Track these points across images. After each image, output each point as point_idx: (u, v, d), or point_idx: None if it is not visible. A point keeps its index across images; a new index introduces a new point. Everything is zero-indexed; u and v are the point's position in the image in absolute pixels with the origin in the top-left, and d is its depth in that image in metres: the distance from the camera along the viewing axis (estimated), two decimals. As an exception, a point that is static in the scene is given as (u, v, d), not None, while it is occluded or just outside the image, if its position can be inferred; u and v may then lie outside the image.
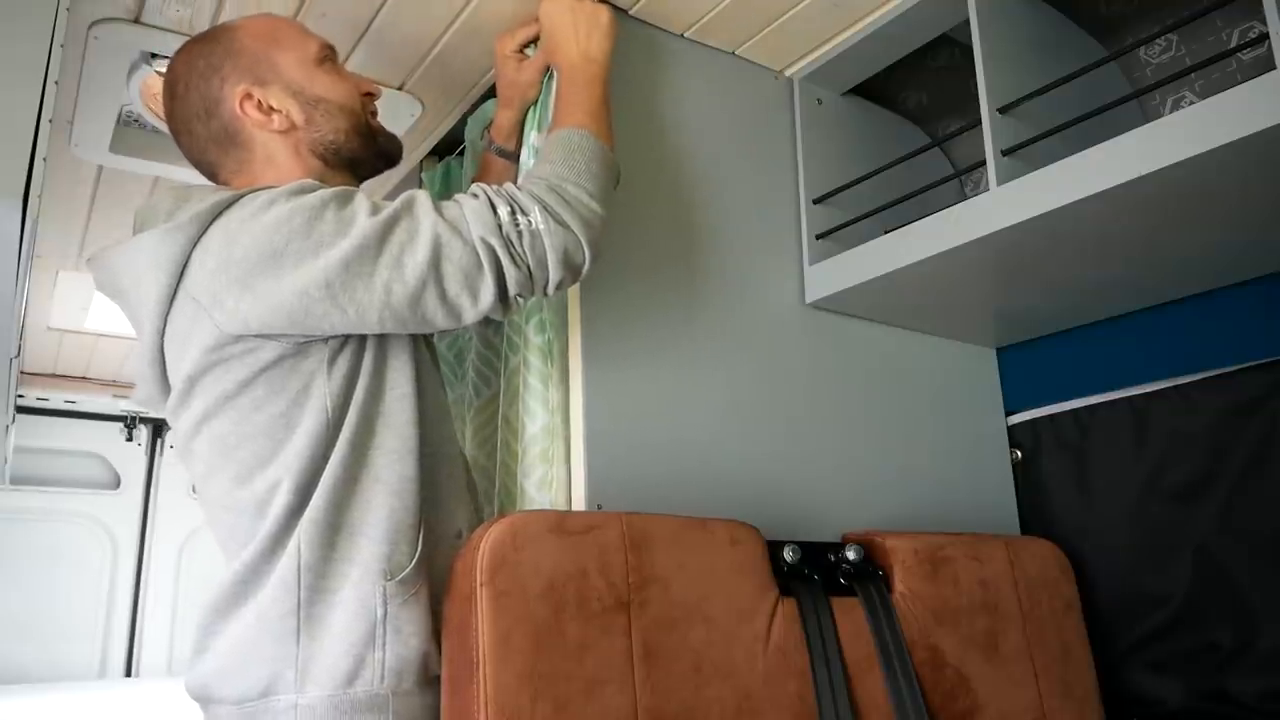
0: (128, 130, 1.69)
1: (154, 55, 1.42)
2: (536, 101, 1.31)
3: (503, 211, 0.98)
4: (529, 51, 1.31)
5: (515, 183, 1.06)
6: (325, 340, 1.00)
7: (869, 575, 1.22)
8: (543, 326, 1.23)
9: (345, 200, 0.97)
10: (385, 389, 1.03)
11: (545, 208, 1.00)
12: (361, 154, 1.15)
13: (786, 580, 1.14)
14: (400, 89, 1.53)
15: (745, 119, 1.44)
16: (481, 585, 0.93)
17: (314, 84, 1.11)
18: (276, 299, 0.93)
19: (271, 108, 1.09)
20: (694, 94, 1.39)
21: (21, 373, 3.00)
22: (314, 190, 0.97)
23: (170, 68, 1.14)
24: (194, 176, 1.76)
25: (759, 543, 1.13)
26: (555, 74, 1.23)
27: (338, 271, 0.93)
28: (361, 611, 0.96)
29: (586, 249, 1.02)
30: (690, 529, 1.08)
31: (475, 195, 1.01)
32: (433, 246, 0.96)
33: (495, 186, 1.02)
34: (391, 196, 1.89)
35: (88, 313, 2.61)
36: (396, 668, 0.96)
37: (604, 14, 1.21)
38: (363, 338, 1.02)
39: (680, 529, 1.07)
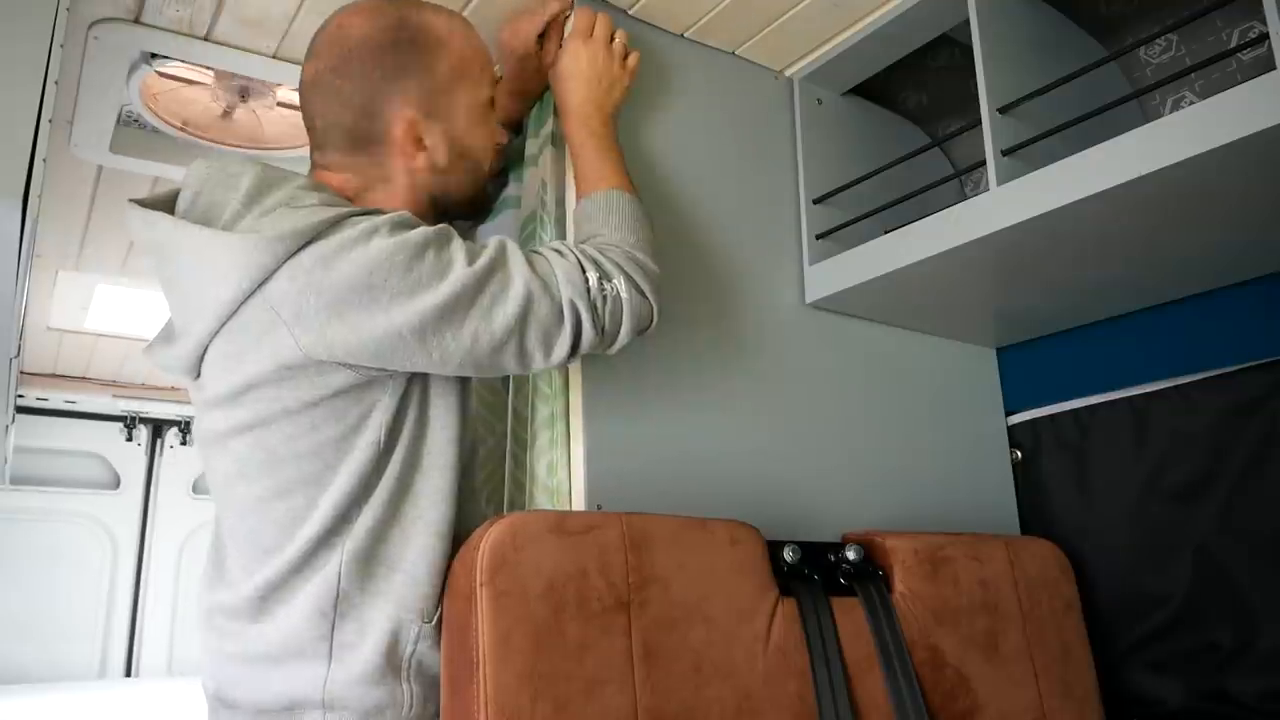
0: (128, 130, 1.69)
1: (154, 55, 1.42)
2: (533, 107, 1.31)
3: (591, 276, 1.01)
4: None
5: (580, 239, 1.11)
6: (392, 374, 0.98)
7: (869, 575, 1.22)
8: None
9: (445, 242, 0.96)
10: (432, 428, 1.02)
11: (628, 276, 1.05)
12: (464, 208, 1.15)
13: (786, 580, 1.14)
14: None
15: (745, 119, 1.44)
16: (481, 585, 0.93)
17: (472, 134, 1.10)
18: (367, 334, 0.92)
19: (425, 144, 1.06)
20: (694, 94, 1.39)
21: (21, 373, 3.00)
22: (415, 227, 0.96)
23: (356, 28, 1.05)
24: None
25: (759, 543, 1.13)
26: (562, 114, 1.21)
27: (432, 317, 0.93)
28: (394, 645, 0.97)
29: (656, 316, 1.08)
30: (690, 529, 1.08)
31: (564, 255, 1.02)
32: (523, 302, 0.97)
33: (582, 247, 1.05)
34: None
35: (87, 313, 2.62)
36: (422, 698, 0.98)
37: (627, 81, 1.22)
38: (422, 376, 1.01)
39: (680, 529, 1.07)
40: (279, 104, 1.65)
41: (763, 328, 1.36)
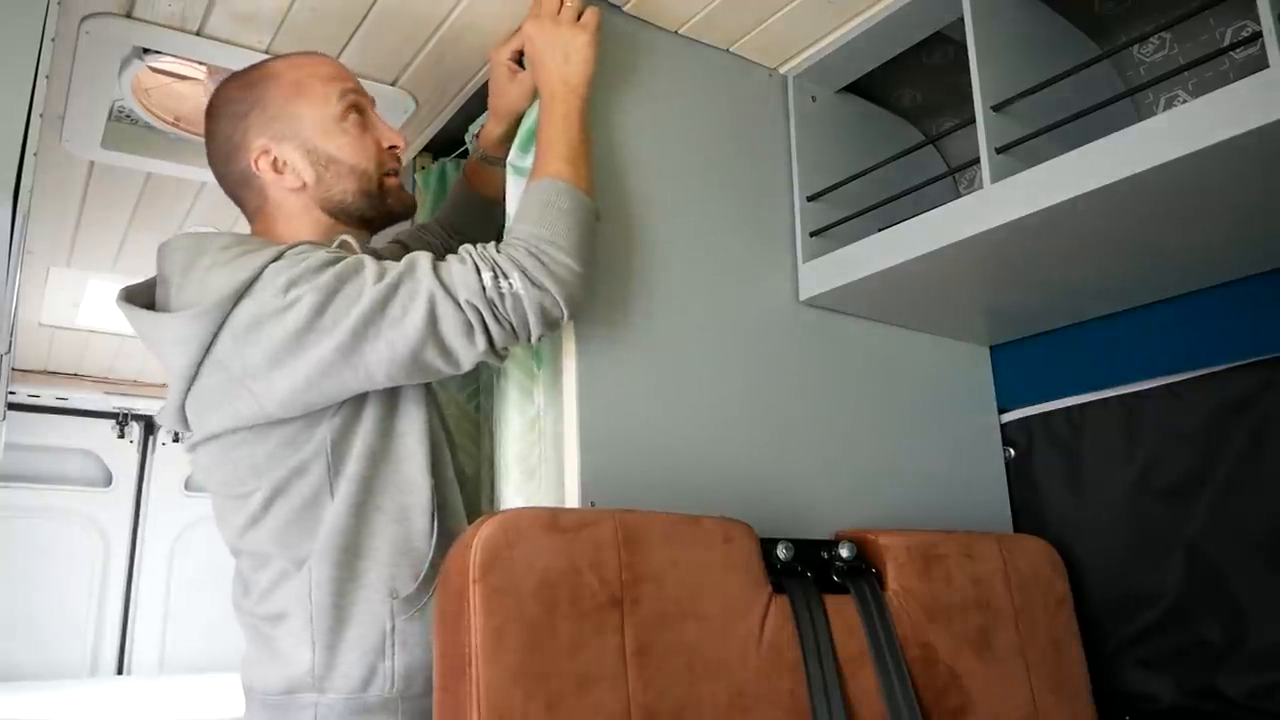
0: (120, 126, 1.68)
1: (146, 50, 1.42)
2: (523, 117, 1.30)
3: (486, 276, 1.04)
4: (523, 62, 1.30)
5: (502, 230, 1.14)
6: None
7: (862, 572, 1.22)
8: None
9: (355, 271, 1.03)
10: (393, 429, 1.11)
11: (524, 272, 1.05)
12: (368, 215, 1.20)
13: (779, 577, 1.14)
14: (393, 85, 1.52)
15: (739, 116, 1.44)
16: (474, 582, 0.93)
17: (328, 143, 1.16)
18: (304, 373, 1.02)
19: (285, 165, 1.15)
20: (687, 91, 1.39)
21: (13, 369, 2.99)
22: (326, 267, 1.03)
23: (210, 101, 1.21)
24: (187, 173, 1.76)
25: (752, 540, 1.13)
26: (539, 96, 1.21)
27: (350, 339, 1.01)
28: (373, 625, 1.06)
29: (564, 306, 1.07)
30: (683, 526, 1.08)
31: (462, 260, 1.06)
32: (428, 308, 1.02)
33: (480, 249, 1.07)
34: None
35: (79, 309, 2.60)
36: (405, 674, 1.06)
37: (583, 36, 1.19)
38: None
39: (673, 526, 1.07)
40: (272, 100, 1.65)
41: (756, 325, 1.36)
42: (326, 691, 1.05)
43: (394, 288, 1.02)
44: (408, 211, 1.24)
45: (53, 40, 1.09)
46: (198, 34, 1.37)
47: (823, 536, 1.27)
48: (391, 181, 1.21)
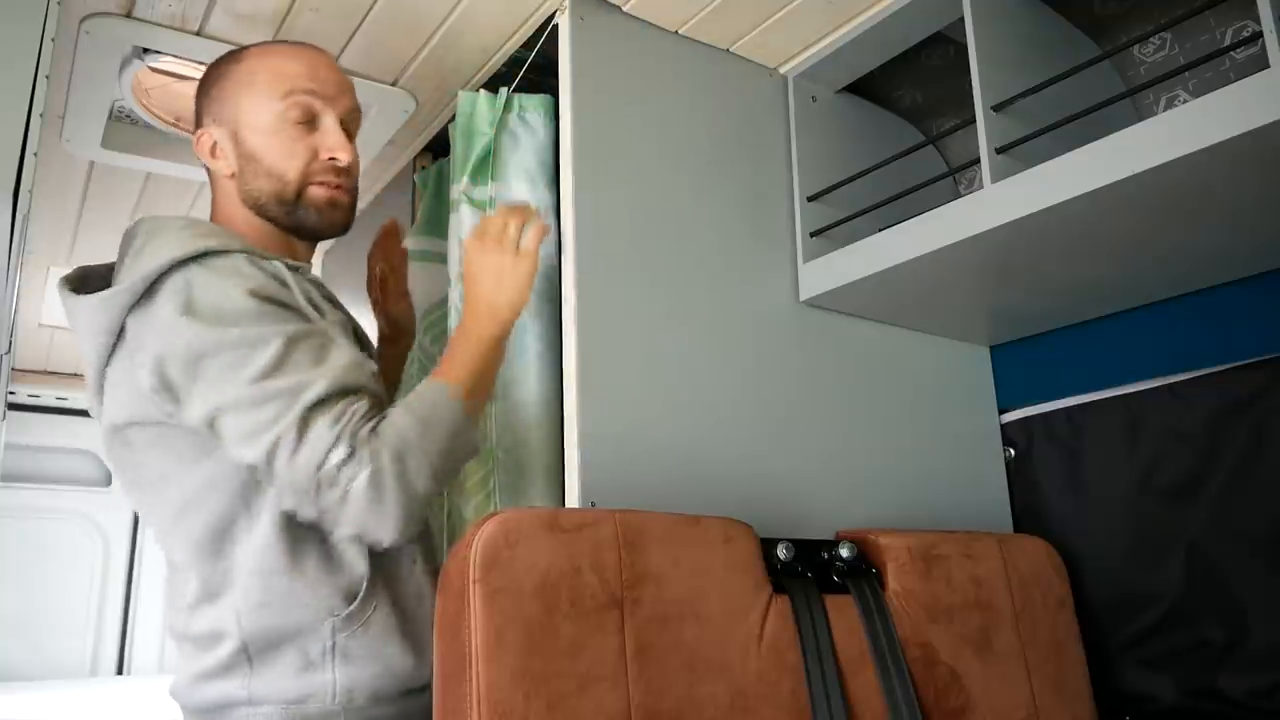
0: (120, 125, 1.68)
1: (146, 50, 1.42)
2: (488, 153, 1.34)
3: (335, 454, 0.94)
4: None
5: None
6: None
7: (862, 573, 1.22)
8: None
9: (255, 344, 0.97)
10: None
11: (375, 474, 0.95)
12: (283, 221, 1.16)
13: (780, 578, 1.14)
14: (393, 85, 1.52)
15: (739, 116, 1.44)
16: (474, 582, 0.93)
17: (253, 138, 1.14)
18: (186, 415, 0.99)
19: (220, 150, 1.16)
20: (688, 91, 1.39)
21: (13, 369, 2.99)
22: (238, 321, 0.98)
23: None
24: (187, 173, 1.76)
25: (752, 540, 1.13)
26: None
27: (226, 403, 0.96)
28: (311, 643, 1.03)
29: (393, 530, 0.97)
30: (684, 526, 1.08)
31: (335, 420, 0.96)
32: (269, 449, 0.95)
33: (362, 413, 0.98)
34: (383, 199, 1.90)
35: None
36: (348, 686, 1.03)
37: (522, 266, 1.15)
38: None
39: (674, 526, 1.07)
40: (272, 100, 1.65)
41: (756, 325, 1.36)
42: (259, 704, 1.01)
43: (268, 399, 0.95)
44: (328, 228, 1.18)
45: (53, 40, 1.09)
46: (198, 34, 1.37)
47: (823, 537, 1.27)
48: (316, 193, 1.15)
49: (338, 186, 1.16)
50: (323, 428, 0.95)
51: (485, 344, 1.11)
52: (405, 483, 0.96)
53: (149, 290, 0.99)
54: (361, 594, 1.04)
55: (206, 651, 1.04)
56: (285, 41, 1.23)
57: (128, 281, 1.00)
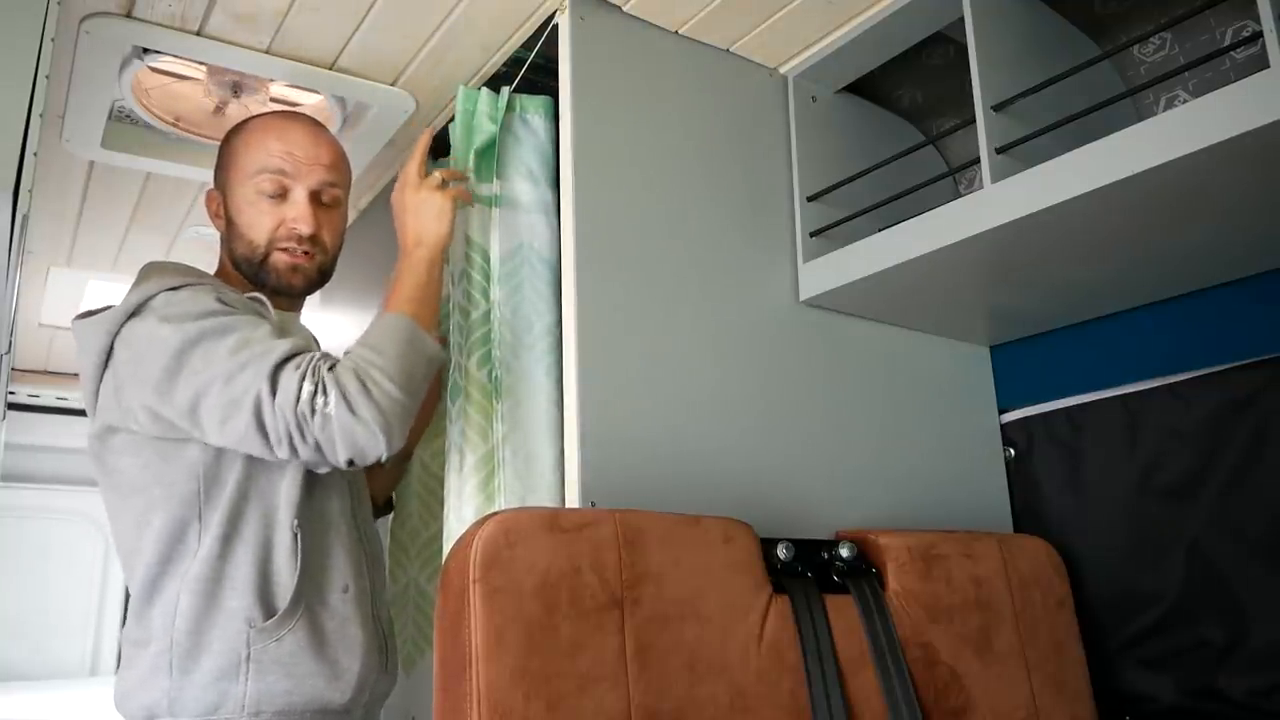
0: (120, 126, 1.68)
1: (146, 50, 1.41)
2: (489, 148, 1.34)
3: (305, 388, 1.05)
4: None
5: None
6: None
7: (862, 573, 1.22)
8: (487, 359, 1.25)
9: (221, 332, 1.09)
10: (264, 469, 1.15)
11: (344, 394, 1.06)
12: (253, 281, 1.27)
13: (780, 578, 1.14)
14: (393, 85, 1.52)
15: (739, 116, 1.44)
16: (474, 582, 0.93)
17: (234, 204, 1.27)
18: (171, 410, 1.09)
19: (219, 210, 1.30)
20: (688, 91, 1.39)
21: (13, 369, 2.99)
22: (203, 317, 1.10)
23: None
24: (187, 173, 1.76)
25: (752, 540, 1.13)
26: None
27: (193, 396, 1.07)
28: (227, 652, 1.09)
29: (382, 438, 1.07)
30: (684, 526, 1.08)
31: (297, 365, 1.07)
32: (254, 404, 1.05)
33: (318, 359, 1.09)
34: (379, 202, 1.90)
35: (79, 309, 2.60)
36: (256, 699, 1.09)
37: (442, 199, 1.27)
38: None
39: (674, 526, 1.07)
40: (271, 99, 1.64)
41: (756, 325, 1.36)
42: (178, 714, 1.08)
43: (241, 368, 1.06)
44: (287, 289, 1.27)
45: (53, 40, 1.09)
46: (198, 34, 1.37)
47: (823, 537, 1.27)
48: (279, 258, 1.25)
49: (305, 254, 1.26)
50: (289, 374, 1.06)
51: (419, 270, 1.23)
52: (374, 393, 1.07)
53: (137, 311, 1.13)
54: (284, 609, 1.11)
55: (138, 656, 1.12)
56: (282, 113, 1.35)
57: (122, 305, 1.14)
